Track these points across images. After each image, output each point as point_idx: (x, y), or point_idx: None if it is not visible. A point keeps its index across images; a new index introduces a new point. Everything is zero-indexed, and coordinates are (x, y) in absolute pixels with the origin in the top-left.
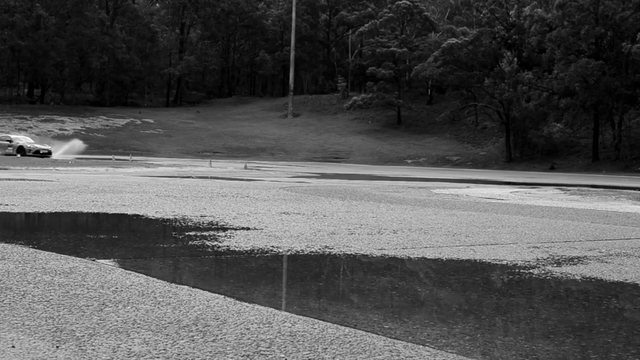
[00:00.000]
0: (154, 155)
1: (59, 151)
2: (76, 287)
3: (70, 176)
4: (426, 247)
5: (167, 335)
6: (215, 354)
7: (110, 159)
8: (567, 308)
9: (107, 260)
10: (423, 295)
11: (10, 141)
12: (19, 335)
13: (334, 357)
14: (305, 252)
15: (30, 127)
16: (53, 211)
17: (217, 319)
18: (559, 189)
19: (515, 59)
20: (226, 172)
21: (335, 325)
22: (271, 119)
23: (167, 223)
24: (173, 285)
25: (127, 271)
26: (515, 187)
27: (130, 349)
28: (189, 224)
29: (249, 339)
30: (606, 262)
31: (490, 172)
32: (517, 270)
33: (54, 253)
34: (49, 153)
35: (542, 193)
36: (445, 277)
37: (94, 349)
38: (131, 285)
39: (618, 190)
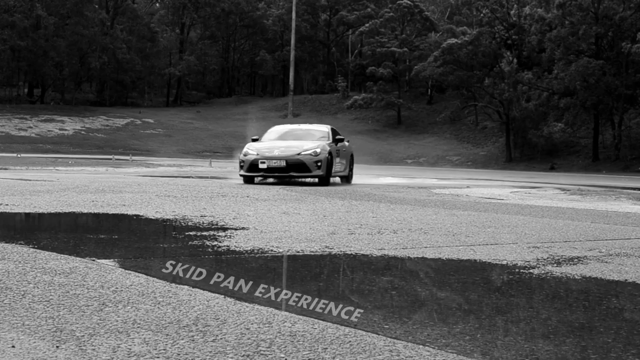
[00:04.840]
0: (154, 155)
1: None
2: (76, 287)
3: (70, 176)
4: (426, 247)
5: (167, 335)
6: (215, 354)
7: (110, 159)
8: (567, 308)
9: (107, 260)
10: (423, 295)
11: None
12: (19, 335)
13: (334, 357)
14: (305, 252)
15: (30, 127)
16: (53, 211)
17: (217, 318)
18: (559, 189)
19: (515, 59)
20: (226, 172)
21: (335, 325)
22: (271, 119)
23: (167, 223)
24: (173, 285)
25: (127, 271)
26: (515, 187)
27: (130, 349)
28: (189, 224)
29: (249, 338)
30: (606, 262)
31: (490, 172)
32: (517, 270)
33: (54, 253)
34: None
35: (542, 193)
36: (445, 277)
37: (94, 349)
38: (131, 285)
39: (618, 190)
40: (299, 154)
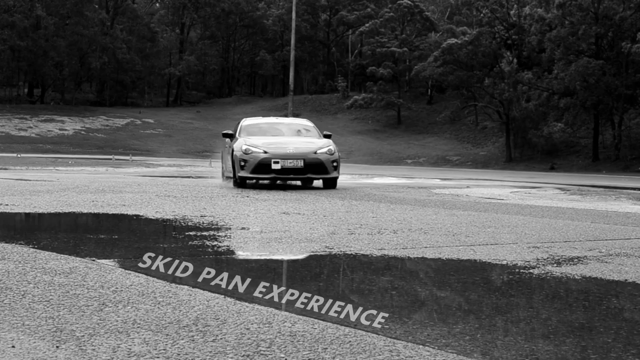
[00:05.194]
0: (154, 155)
1: None
2: (76, 287)
3: (70, 176)
4: (426, 247)
5: (167, 335)
6: (215, 354)
7: (110, 159)
8: (567, 308)
9: (107, 260)
10: (423, 295)
11: None
12: (19, 335)
13: (334, 357)
14: (306, 252)
15: (30, 127)
16: (53, 211)
17: (217, 318)
18: (559, 189)
19: (515, 59)
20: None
21: (335, 325)
22: None
23: (167, 223)
24: (173, 285)
25: (127, 271)
26: (515, 187)
27: (130, 349)
28: (189, 224)
29: (249, 338)
30: (606, 262)
31: (490, 172)
32: (517, 270)
33: (54, 253)
34: None
35: (542, 193)
36: (445, 277)
37: (94, 349)
38: (131, 285)
39: (618, 190)
40: (315, 152)
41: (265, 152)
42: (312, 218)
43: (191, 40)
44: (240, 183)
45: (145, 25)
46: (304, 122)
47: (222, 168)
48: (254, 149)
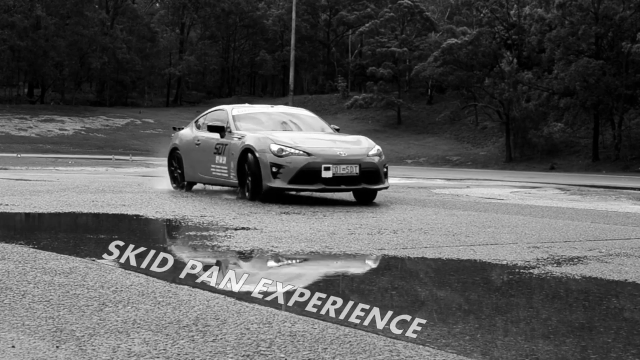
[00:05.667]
0: (154, 155)
1: None
2: (76, 287)
3: (70, 176)
4: (426, 247)
5: (167, 335)
6: (215, 354)
7: (110, 159)
8: (567, 308)
9: (107, 260)
10: (423, 295)
11: None
12: (19, 335)
13: (334, 357)
14: (305, 252)
15: (30, 127)
16: (53, 211)
17: (217, 318)
18: (559, 189)
19: (515, 59)
20: None
21: (335, 325)
22: None
23: (167, 223)
24: (173, 285)
25: (127, 271)
26: (515, 187)
27: (130, 349)
28: (189, 224)
29: (249, 338)
30: (606, 262)
31: (490, 172)
32: (517, 270)
33: (54, 253)
34: None
35: (542, 193)
36: (445, 277)
37: (94, 349)
38: (131, 285)
39: (618, 190)
40: (368, 155)
41: (309, 154)
42: (312, 218)
43: (191, 40)
44: (267, 196)
45: (145, 25)
46: (306, 112)
47: (182, 171)
48: (291, 150)
